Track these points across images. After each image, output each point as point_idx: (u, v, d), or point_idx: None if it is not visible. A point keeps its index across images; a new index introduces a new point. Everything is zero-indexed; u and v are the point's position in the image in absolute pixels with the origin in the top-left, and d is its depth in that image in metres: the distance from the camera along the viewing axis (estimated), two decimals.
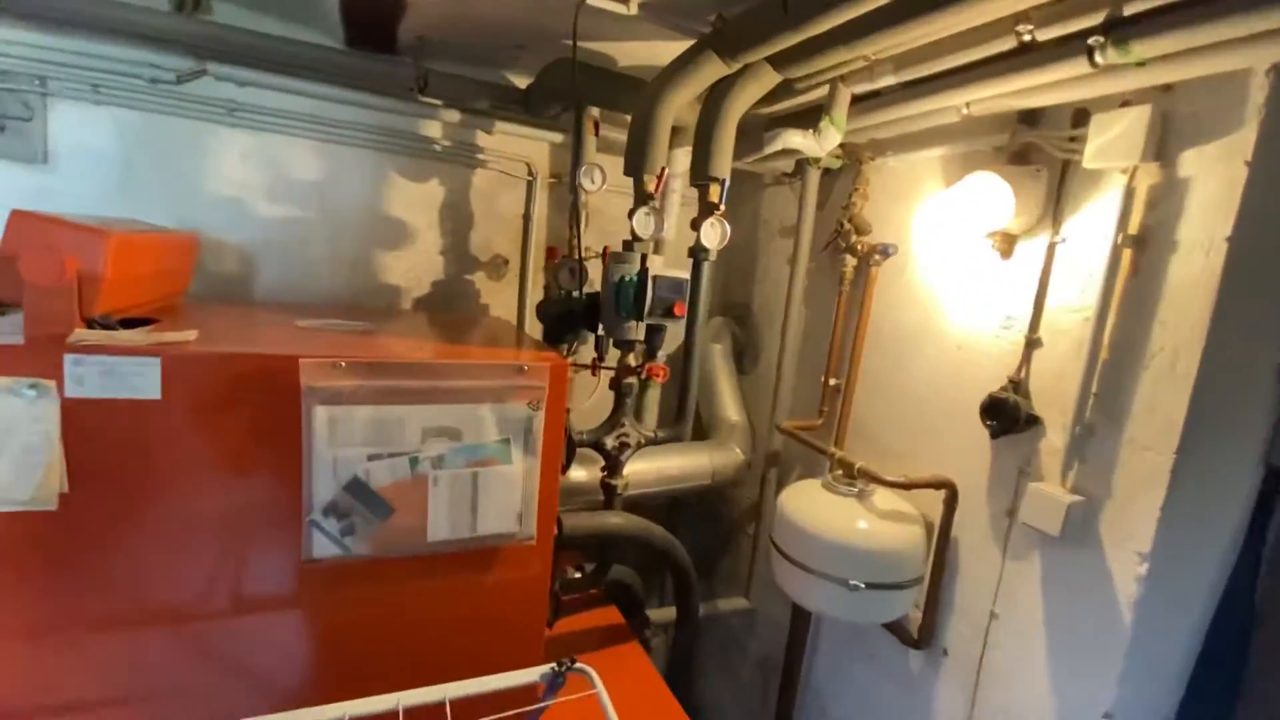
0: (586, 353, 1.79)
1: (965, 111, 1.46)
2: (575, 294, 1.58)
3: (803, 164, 2.01)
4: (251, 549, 1.11)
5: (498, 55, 1.91)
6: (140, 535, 1.04)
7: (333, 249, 1.97)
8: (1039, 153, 1.41)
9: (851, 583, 1.44)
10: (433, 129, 2.00)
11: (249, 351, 1.09)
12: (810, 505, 1.58)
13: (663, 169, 1.46)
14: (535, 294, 2.19)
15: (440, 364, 1.19)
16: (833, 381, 1.96)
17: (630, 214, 1.49)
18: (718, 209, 1.52)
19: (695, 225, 1.53)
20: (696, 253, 1.56)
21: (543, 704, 1.19)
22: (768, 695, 2.20)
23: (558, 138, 2.11)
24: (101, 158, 1.69)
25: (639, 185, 1.49)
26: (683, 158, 1.80)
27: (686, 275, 1.43)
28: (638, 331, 1.48)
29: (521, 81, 1.99)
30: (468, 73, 1.94)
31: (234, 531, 1.10)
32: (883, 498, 1.58)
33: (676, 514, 2.47)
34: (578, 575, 1.79)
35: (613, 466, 1.61)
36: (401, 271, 2.07)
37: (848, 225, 1.88)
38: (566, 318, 1.61)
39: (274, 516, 1.11)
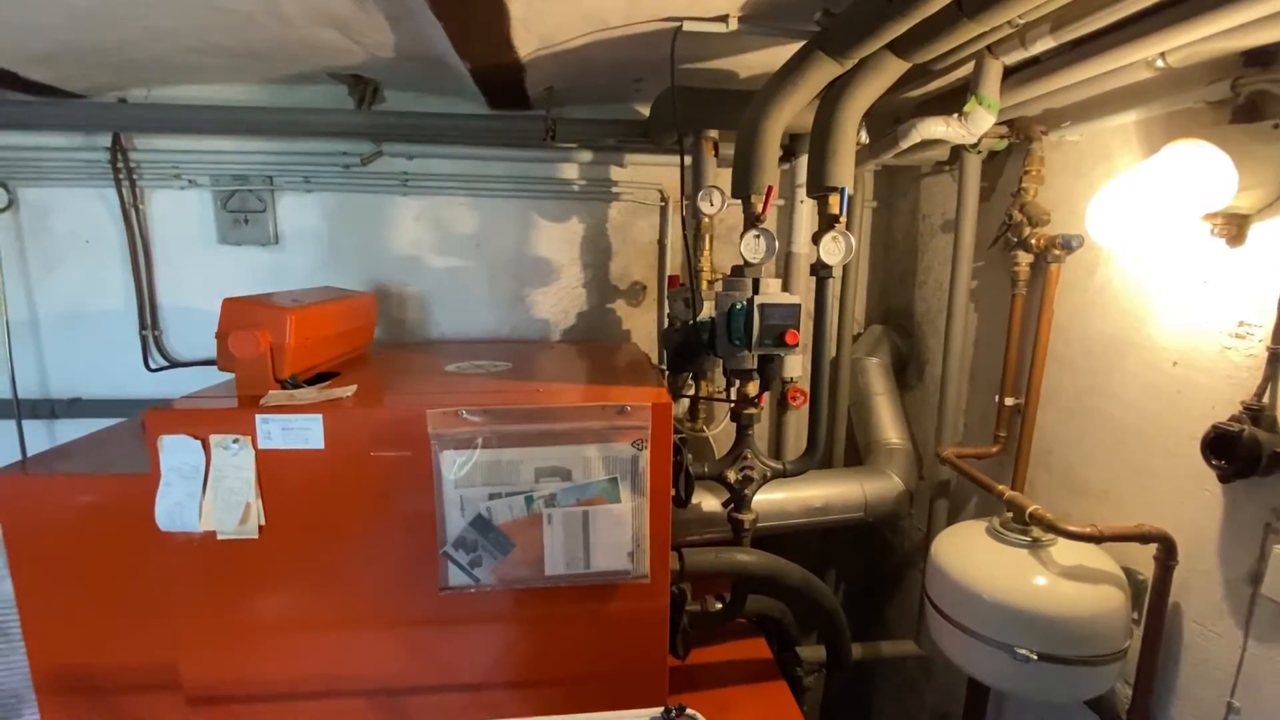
0: (720, 376, 1.76)
1: (1162, 64, 1.14)
2: (692, 323, 1.55)
3: (959, 148, 1.74)
4: (402, 577, 1.27)
5: (620, 91, 1.96)
6: (320, 561, 1.26)
7: (490, 291, 2.18)
8: (1275, 103, 1.05)
9: (1019, 652, 1.20)
10: (568, 170, 2.12)
11: (389, 405, 1.26)
12: (968, 555, 1.35)
13: (769, 188, 1.37)
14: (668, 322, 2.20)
15: (545, 408, 1.25)
16: (1010, 401, 1.67)
17: (740, 237, 1.42)
18: (838, 221, 1.38)
19: (815, 240, 1.41)
20: (817, 270, 1.44)
21: None
22: None
23: (687, 159, 2.10)
24: (313, 235, 2.08)
25: (747, 207, 1.42)
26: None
27: (798, 300, 1.32)
28: (752, 360, 1.40)
29: (647, 111, 2.02)
30: (594, 114, 2.02)
31: (388, 561, 1.27)
32: (1068, 549, 1.30)
33: (836, 546, 2.29)
34: (718, 606, 1.75)
35: (738, 500, 1.55)
36: (549, 306, 2.22)
37: (1018, 215, 1.59)
38: (685, 346, 1.59)
39: (418, 549, 1.26)
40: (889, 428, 2.02)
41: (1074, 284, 1.50)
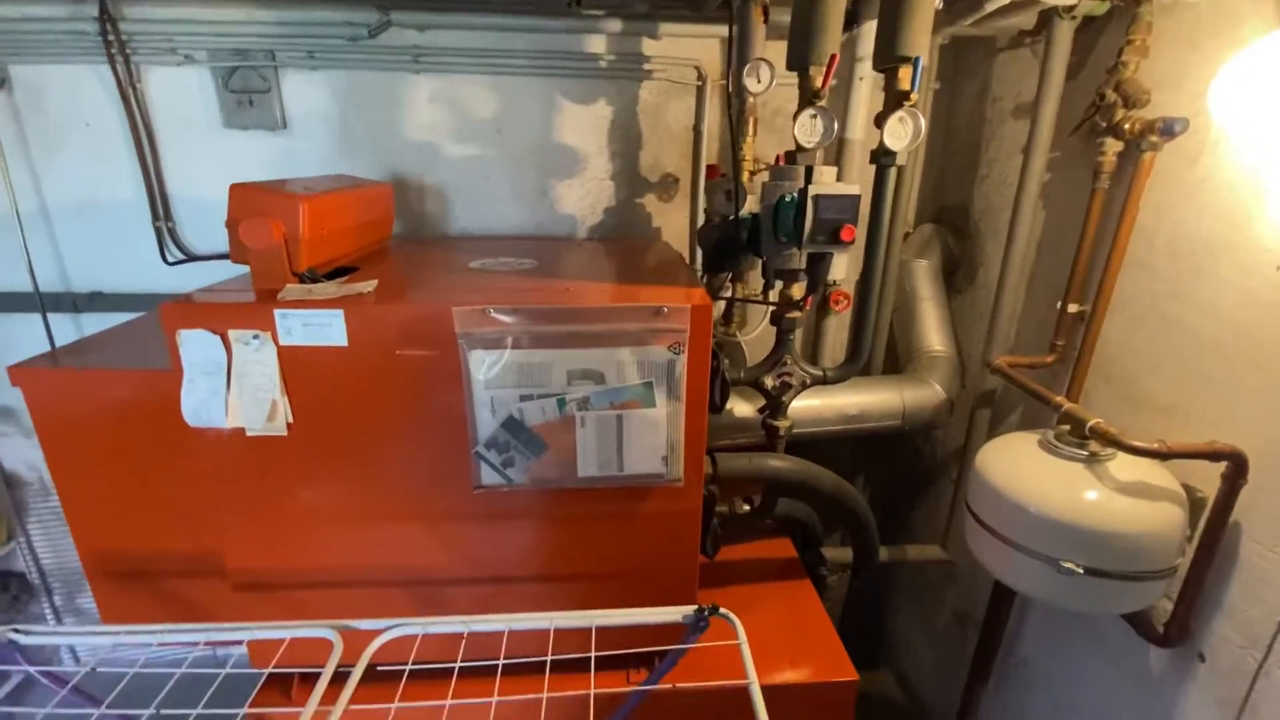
0: (757, 279, 1.65)
1: None
2: (733, 218, 1.42)
3: (1049, 15, 1.51)
4: (435, 475, 1.26)
5: None
6: (352, 459, 1.24)
7: (512, 183, 2.04)
8: None
9: (1064, 565, 1.17)
10: (596, 44, 1.91)
11: (413, 302, 1.18)
12: (1018, 467, 1.30)
13: (832, 56, 1.19)
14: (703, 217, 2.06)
15: (578, 309, 1.17)
16: (1074, 308, 1.54)
17: (794, 117, 1.26)
18: (908, 99, 1.22)
19: (879, 122, 1.25)
20: (879, 158, 1.28)
21: (685, 645, 1.20)
22: (965, 648, 2.00)
23: (727, 30, 1.87)
24: (323, 119, 1.93)
25: (804, 81, 1.25)
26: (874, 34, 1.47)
27: (857, 190, 1.18)
28: (799, 259, 1.29)
29: None
30: None
31: (421, 459, 1.25)
32: (1125, 465, 1.23)
33: (866, 452, 2.26)
34: (746, 508, 1.75)
35: (774, 407, 1.49)
36: (575, 200, 2.08)
37: (1112, 95, 1.39)
38: (724, 244, 1.47)
39: (450, 448, 1.23)
40: (933, 334, 1.92)
41: (1168, 176, 1.33)
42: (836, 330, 1.91)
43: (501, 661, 1.09)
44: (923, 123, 1.23)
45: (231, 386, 1.15)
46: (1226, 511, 1.16)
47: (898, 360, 2.04)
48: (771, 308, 1.42)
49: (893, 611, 2.58)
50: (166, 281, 2.01)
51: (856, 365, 1.47)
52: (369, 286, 1.22)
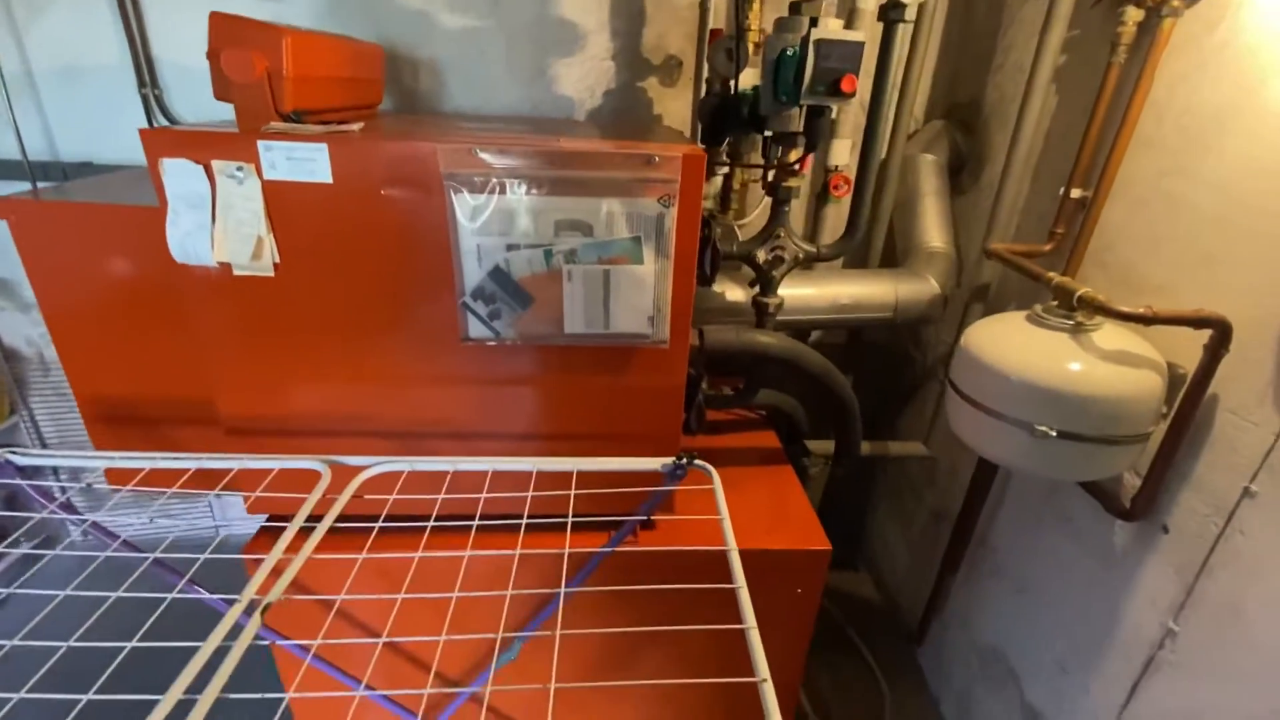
0: (757, 163, 1.61)
1: None
2: (733, 82, 1.38)
3: None
4: (420, 325, 1.27)
5: None
6: (340, 302, 1.24)
7: (508, 61, 1.97)
8: None
9: (1038, 428, 1.19)
10: None
11: (397, 139, 1.16)
12: (1002, 338, 1.30)
13: None
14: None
15: (567, 152, 1.15)
16: (1077, 193, 1.51)
17: None
18: None
19: None
20: (887, 12, 1.23)
21: (663, 488, 1.24)
22: (940, 545, 2.07)
23: None
24: None
25: None
26: None
27: (862, 37, 1.13)
28: (798, 121, 1.26)
29: None
30: None
31: (407, 308, 1.25)
32: (1111, 335, 1.23)
33: (856, 355, 2.27)
34: (730, 392, 1.77)
35: (765, 283, 1.48)
36: (573, 81, 2.02)
37: None
38: (722, 112, 1.43)
39: (437, 297, 1.23)
40: (933, 230, 1.89)
41: (1187, 44, 1.27)
42: (835, 219, 1.88)
43: (484, 496, 1.13)
44: None
45: (216, 220, 1.14)
46: (1206, 382, 1.16)
47: (897, 258, 2.02)
48: (770, 175, 1.39)
49: (873, 515, 2.66)
50: None
51: (852, 241, 1.45)
52: (355, 127, 1.20)
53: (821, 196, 1.84)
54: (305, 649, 1.45)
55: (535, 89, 2.01)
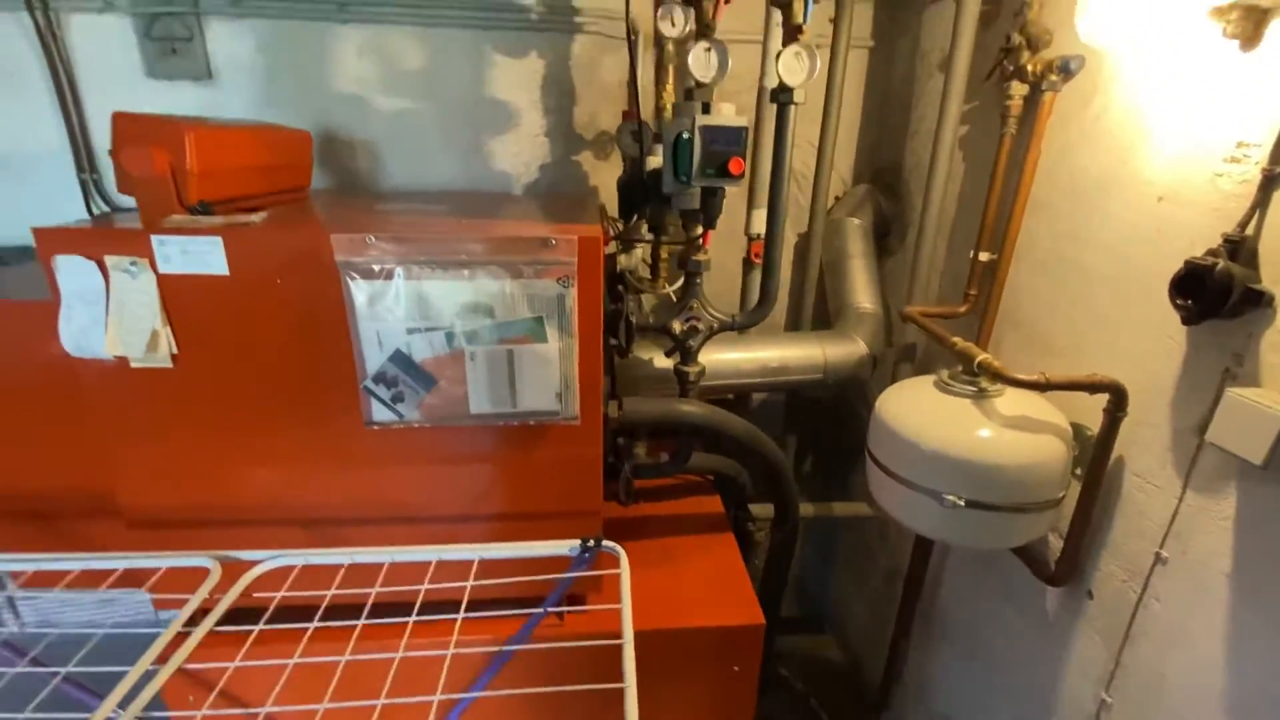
0: (679, 232, 1.64)
1: None
2: (640, 156, 1.42)
3: None
4: (324, 411, 1.25)
5: None
6: (241, 391, 1.23)
7: (443, 138, 2.03)
8: None
9: (946, 498, 1.18)
10: None
11: (293, 229, 1.17)
12: (910, 406, 1.30)
13: None
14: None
15: (461, 239, 1.16)
16: (985, 256, 1.55)
17: (688, 50, 1.25)
18: (801, 32, 1.21)
19: (776, 59, 1.25)
20: (777, 95, 1.28)
21: (568, 574, 1.21)
22: (895, 605, 2.02)
23: None
24: (248, 71, 1.90)
25: (699, 14, 1.24)
26: None
27: (743, 122, 1.18)
28: (697, 199, 1.29)
29: None
30: None
31: (309, 395, 1.24)
32: (1015, 401, 1.24)
33: (802, 415, 2.27)
34: (664, 457, 1.75)
35: (684, 352, 1.49)
36: (509, 157, 2.07)
37: (1018, 38, 1.39)
38: (631, 187, 1.47)
39: (339, 383, 1.22)
40: (861, 291, 1.92)
41: (1068, 117, 1.33)
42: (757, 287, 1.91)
43: (375, 590, 1.09)
44: (818, 59, 1.23)
45: (110, 315, 1.14)
46: (1109, 445, 1.16)
47: (830, 319, 2.04)
48: (677, 250, 1.41)
49: (835, 575, 2.60)
50: None
51: (765, 310, 1.47)
52: (256, 218, 1.21)
53: (747, 263, 1.87)
54: None
55: (471, 165, 2.06)
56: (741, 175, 1.20)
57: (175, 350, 1.18)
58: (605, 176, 2.12)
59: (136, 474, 1.28)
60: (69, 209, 1.96)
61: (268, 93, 1.93)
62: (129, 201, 1.99)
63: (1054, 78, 1.31)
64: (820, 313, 2.10)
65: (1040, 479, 1.17)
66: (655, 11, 1.57)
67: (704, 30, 1.23)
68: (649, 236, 1.39)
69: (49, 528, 1.37)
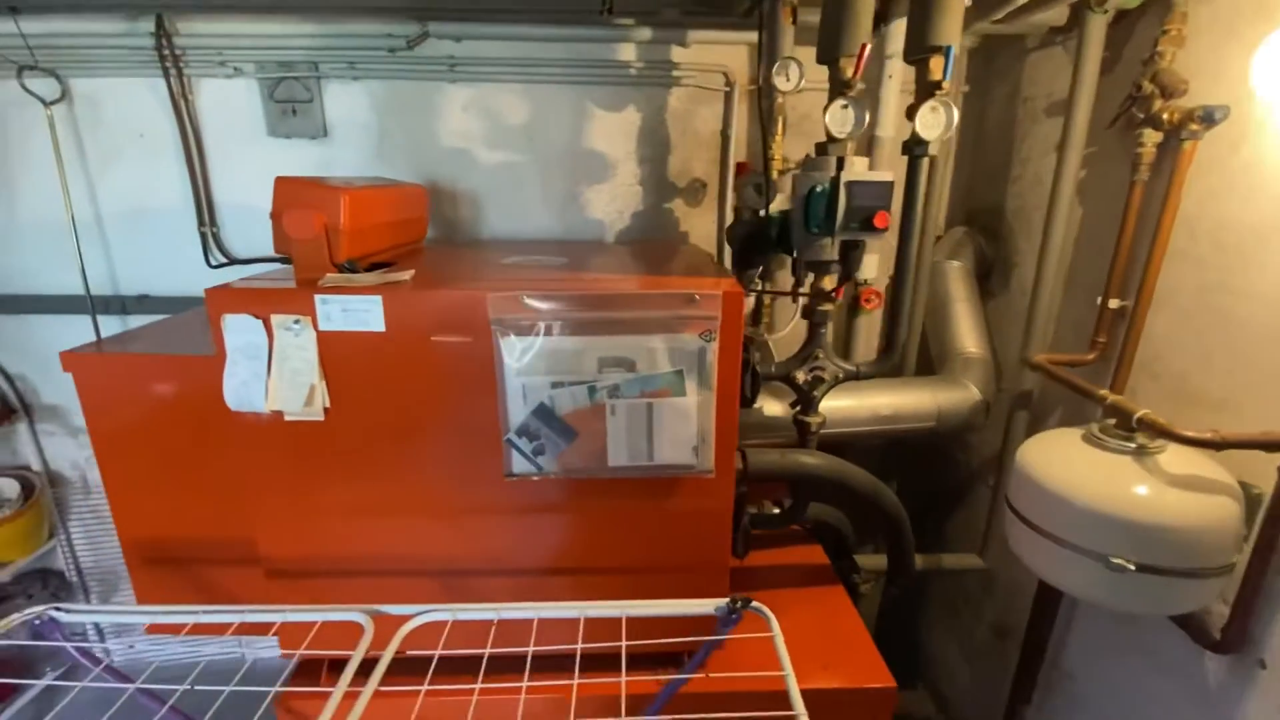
0: (785, 280, 1.64)
1: None
2: (763, 213, 1.43)
3: (1081, 8, 1.50)
4: (464, 463, 1.26)
5: None
6: (386, 443, 1.25)
7: (542, 189, 2.08)
8: None
9: (1114, 561, 1.12)
10: (626, 51, 1.95)
11: (449, 289, 1.20)
12: (1063, 461, 1.25)
13: (863, 46, 1.20)
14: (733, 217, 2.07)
15: (610, 295, 1.18)
16: (1115, 303, 1.51)
17: (825, 109, 1.27)
18: (940, 88, 1.22)
19: (911, 113, 1.25)
20: (911, 148, 1.28)
21: (718, 637, 1.18)
22: (1004, 663, 1.92)
23: (755, 37, 1.90)
24: (361, 128, 1.99)
25: (834, 72, 1.26)
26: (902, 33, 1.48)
27: (890, 177, 1.18)
28: (831, 250, 1.29)
29: None
30: None
31: (451, 447, 1.26)
32: (1175, 458, 1.18)
33: (897, 458, 2.22)
34: (775, 510, 1.72)
35: (806, 403, 1.47)
36: (603, 205, 2.11)
37: (1149, 86, 1.37)
38: (753, 239, 1.48)
39: (479, 435, 1.24)
40: (967, 336, 1.88)
41: (1210, 165, 1.30)
42: (868, 330, 1.89)
43: (531, 650, 1.08)
44: (955, 113, 1.23)
45: (272, 370, 1.18)
46: None
47: (931, 366, 2.01)
48: (803, 300, 1.41)
49: (927, 626, 2.50)
50: (209, 284, 2.07)
51: (890, 359, 1.45)
52: (406, 275, 1.25)
53: (852, 309, 1.86)
54: None
55: (568, 213, 2.11)
56: (886, 228, 1.19)
57: (328, 404, 1.21)
58: (696, 222, 2.14)
59: (280, 524, 1.30)
60: (186, 260, 2.06)
61: (379, 148, 2.02)
62: (246, 252, 2.10)
63: (1195, 126, 1.29)
64: (922, 358, 2.07)
65: (1214, 541, 1.11)
66: (762, 67, 1.60)
67: (841, 88, 1.24)
68: (787, 289, 1.38)
69: (192, 577, 1.39)
